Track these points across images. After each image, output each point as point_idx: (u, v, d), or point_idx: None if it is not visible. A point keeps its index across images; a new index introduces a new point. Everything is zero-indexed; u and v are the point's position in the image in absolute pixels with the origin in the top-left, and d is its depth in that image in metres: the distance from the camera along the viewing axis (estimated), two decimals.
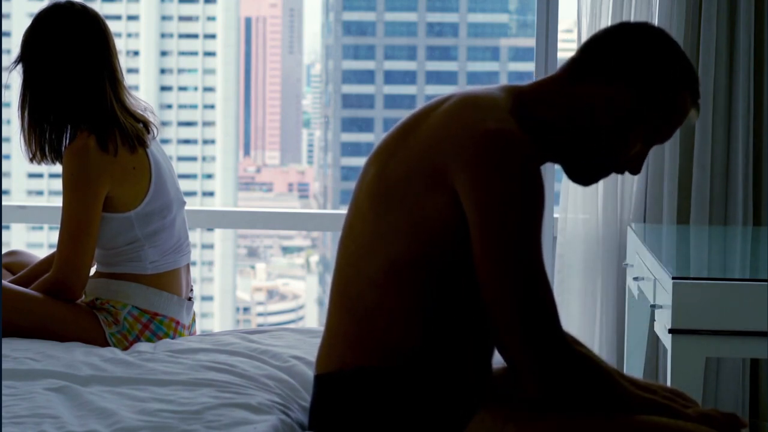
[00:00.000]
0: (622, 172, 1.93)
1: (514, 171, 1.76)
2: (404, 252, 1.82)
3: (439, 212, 1.80)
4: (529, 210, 1.76)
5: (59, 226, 2.77)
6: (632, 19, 3.58)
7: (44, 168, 3.36)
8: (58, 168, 2.80)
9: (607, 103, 1.86)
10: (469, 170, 1.77)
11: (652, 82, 1.86)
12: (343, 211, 2.13)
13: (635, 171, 1.93)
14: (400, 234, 1.82)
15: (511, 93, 1.88)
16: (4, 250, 3.15)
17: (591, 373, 1.82)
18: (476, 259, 1.78)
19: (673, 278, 2.51)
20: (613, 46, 1.88)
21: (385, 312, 1.85)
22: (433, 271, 1.83)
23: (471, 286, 1.83)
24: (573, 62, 1.90)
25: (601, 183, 3.63)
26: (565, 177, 3.64)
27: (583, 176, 1.93)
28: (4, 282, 2.83)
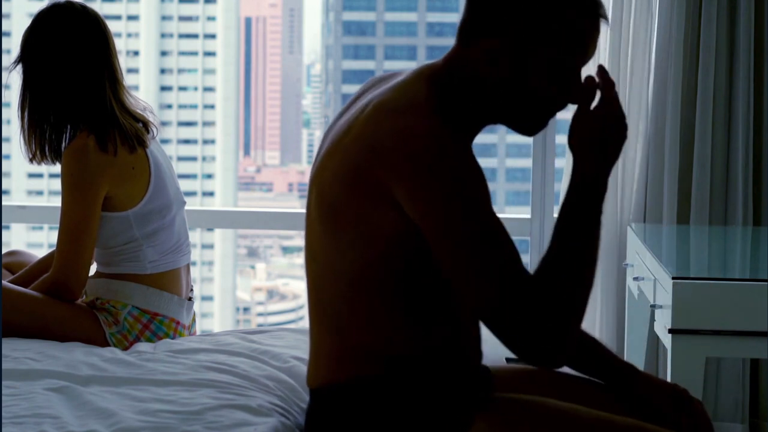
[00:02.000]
0: (563, 107, 1.87)
1: (445, 169, 1.72)
2: (365, 263, 1.80)
3: (390, 223, 1.77)
4: (473, 201, 1.73)
5: (58, 226, 2.77)
6: (632, 19, 3.58)
7: (44, 168, 3.36)
8: (58, 168, 2.80)
9: (488, 56, 1.81)
10: (404, 182, 1.73)
11: (519, 19, 1.79)
12: None
13: (574, 100, 1.84)
14: (356, 248, 1.80)
15: (427, 80, 1.84)
16: (4, 250, 3.15)
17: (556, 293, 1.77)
18: (443, 267, 1.76)
19: (673, 278, 2.51)
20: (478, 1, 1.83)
21: (359, 323, 1.84)
22: (400, 275, 1.81)
23: (442, 282, 1.83)
24: (459, 29, 1.86)
25: None
26: (565, 177, 3.64)
27: (526, 128, 1.87)
28: (4, 282, 2.83)
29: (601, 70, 1.82)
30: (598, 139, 1.80)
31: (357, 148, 1.78)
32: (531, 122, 1.86)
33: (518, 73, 1.81)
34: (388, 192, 1.75)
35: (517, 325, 1.73)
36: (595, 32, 1.82)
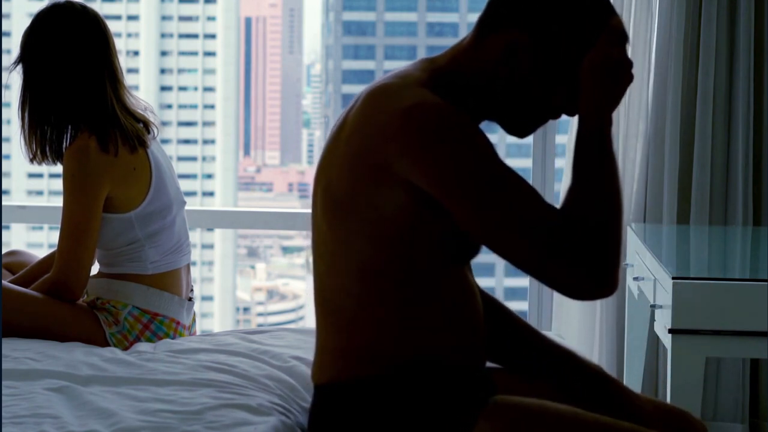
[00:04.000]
0: (557, 117, 1.89)
1: (449, 133, 1.73)
2: (370, 257, 1.81)
3: (396, 207, 1.77)
4: (483, 156, 1.74)
5: (59, 226, 2.77)
6: (632, 19, 3.58)
7: (44, 168, 3.37)
8: (58, 168, 2.79)
9: (510, 51, 1.82)
10: (409, 153, 1.74)
11: (549, 23, 1.81)
12: None
13: (572, 113, 1.88)
14: (361, 240, 1.80)
15: (425, 69, 1.85)
16: (4, 250, 3.15)
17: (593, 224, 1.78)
18: (472, 231, 1.76)
19: (673, 278, 2.51)
20: None
21: (366, 320, 1.84)
22: (403, 275, 1.81)
23: (445, 284, 1.83)
24: (479, 21, 1.88)
25: None
26: (564, 177, 3.64)
27: (519, 129, 1.89)
28: (4, 282, 2.83)
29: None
30: (607, 76, 1.82)
31: (358, 135, 1.79)
32: (527, 122, 1.88)
33: (534, 71, 1.82)
34: (392, 170, 1.75)
35: (560, 262, 1.74)
36: None
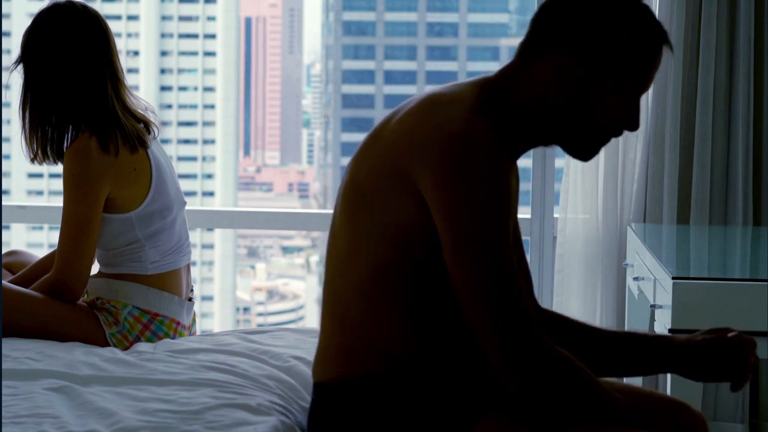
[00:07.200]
0: (619, 134, 1.88)
1: (476, 172, 1.74)
2: (383, 257, 1.82)
3: (408, 215, 1.79)
4: (493, 210, 1.75)
5: (60, 226, 2.77)
6: None
7: (44, 168, 3.36)
8: (58, 168, 2.80)
9: (558, 74, 1.82)
10: (433, 173, 1.75)
11: (592, 40, 1.81)
12: None
13: (632, 127, 1.87)
14: (376, 240, 1.82)
15: (479, 87, 1.86)
16: (4, 250, 3.15)
17: (570, 371, 1.77)
18: (446, 261, 1.77)
19: (673, 278, 2.51)
20: (551, 17, 1.84)
21: (374, 318, 1.85)
22: (416, 274, 1.82)
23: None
24: (523, 44, 1.88)
25: (600, 183, 3.63)
26: (564, 177, 3.64)
27: (581, 151, 1.89)
28: (4, 282, 2.83)
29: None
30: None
31: (393, 137, 1.82)
32: (586, 146, 1.87)
33: (583, 93, 1.82)
34: (412, 180, 1.77)
35: (496, 332, 1.74)
36: (659, 63, 1.85)
